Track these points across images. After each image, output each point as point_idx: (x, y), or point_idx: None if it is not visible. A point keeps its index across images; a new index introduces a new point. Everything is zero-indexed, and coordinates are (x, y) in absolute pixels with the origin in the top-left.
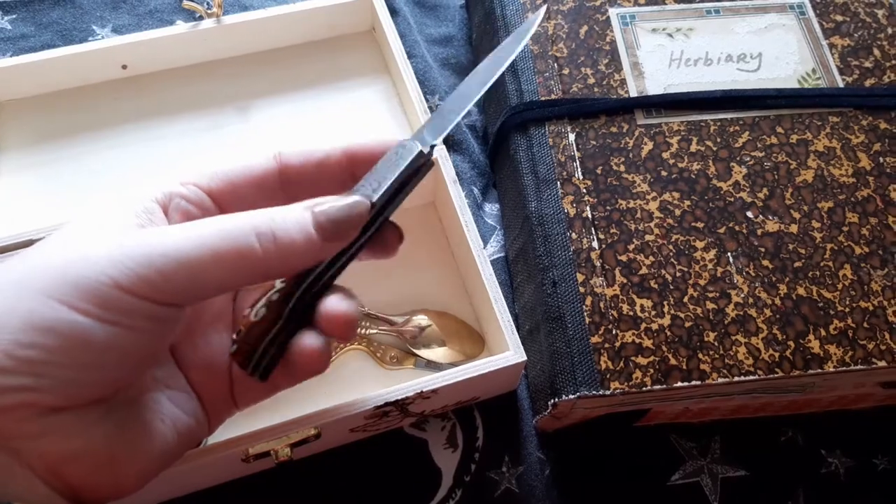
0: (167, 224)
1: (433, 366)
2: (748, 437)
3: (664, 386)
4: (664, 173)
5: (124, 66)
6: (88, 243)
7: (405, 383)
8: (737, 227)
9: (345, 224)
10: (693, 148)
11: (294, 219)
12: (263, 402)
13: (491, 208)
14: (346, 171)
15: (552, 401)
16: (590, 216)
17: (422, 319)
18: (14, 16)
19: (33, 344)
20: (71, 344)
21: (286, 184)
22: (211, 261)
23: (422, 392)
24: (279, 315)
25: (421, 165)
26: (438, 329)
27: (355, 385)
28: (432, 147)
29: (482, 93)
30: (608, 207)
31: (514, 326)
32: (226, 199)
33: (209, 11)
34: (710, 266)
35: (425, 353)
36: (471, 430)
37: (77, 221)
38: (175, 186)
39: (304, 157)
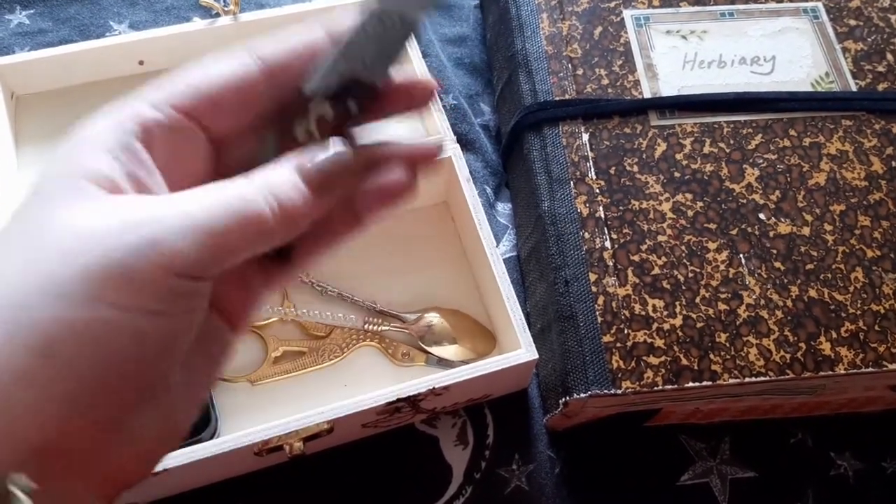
0: (153, 164)
1: (444, 363)
2: (758, 438)
3: (675, 386)
4: (677, 174)
5: (141, 62)
6: (80, 219)
7: (417, 380)
8: (749, 229)
9: (334, 175)
10: (706, 149)
11: (287, 180)
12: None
13: (503, 207)
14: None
15: (563, 399)
16: (602, 216)
17: (434, 317)
18: (32, 11)
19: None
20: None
21: (271, 91)
22: (226, 228)
23: (434, 389)
24: None
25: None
26: (450, 327)
27: (367, 381)
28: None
29: None
30: (621, 207)
31: (525, 325)
32: (208, 118)
33: (226, 9)
34: (722, 267)
35: (437, 350)
36: (481, 427)
37: (53, 182)
38: (148, 111)
39: (287, 51)
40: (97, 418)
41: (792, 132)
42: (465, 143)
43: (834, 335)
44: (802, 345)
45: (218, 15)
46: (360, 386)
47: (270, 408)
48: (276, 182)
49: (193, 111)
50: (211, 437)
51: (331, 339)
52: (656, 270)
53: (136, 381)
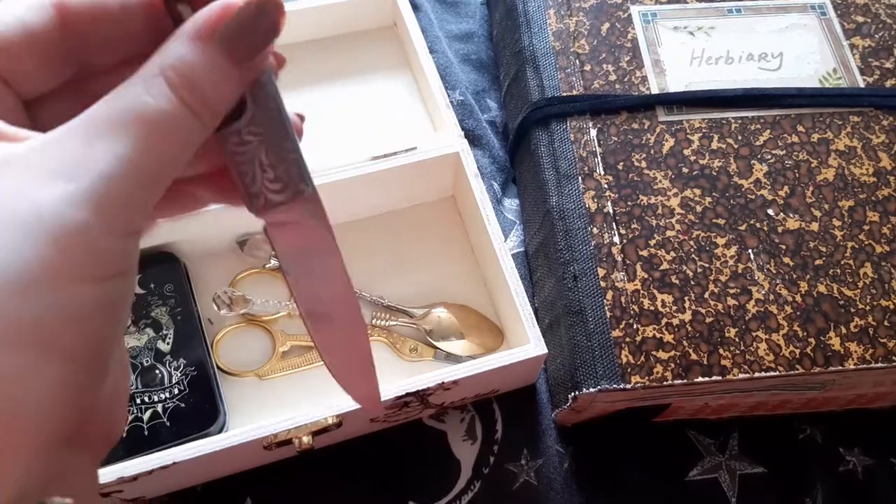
0: None
1: (452, 358)
2: (766, 433)
3: (685, 381)
4: (685, 170)
5: None
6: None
7: (426, 374)
8: (758, 224)
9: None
10: (714, 145)
11: (196, 60)
12: (284, 379)
13: (510, 203)
14: (152, 26)
15: (573, 394)
16: (611, 211)
17: (441, 312)
18: None
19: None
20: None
21: (71, 45)
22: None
23: (443, 383)
24: None
25: None
26: (458, 322)
27: None
28: None
29: None
30: (629, 203)
31: (534, 319)
32: (5, 72)
33: None
34: (731, 262)
35: (444, 345)
36: (490, 422)
37: None
38: None
39: (95, 4)
40: (93, 389)
41: (800, 128)
42: (473, 139)
43: (843, 330)
44: (812, 340)
45: None
46: None
47: (278, 402)
48: (183, 65)
49: None
50: (219, 431)
51: None
52: (665, 266)
53: (110, 343)
